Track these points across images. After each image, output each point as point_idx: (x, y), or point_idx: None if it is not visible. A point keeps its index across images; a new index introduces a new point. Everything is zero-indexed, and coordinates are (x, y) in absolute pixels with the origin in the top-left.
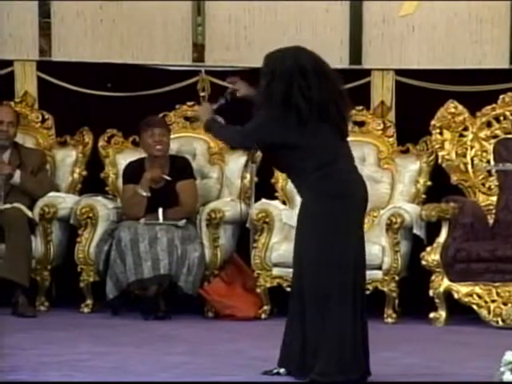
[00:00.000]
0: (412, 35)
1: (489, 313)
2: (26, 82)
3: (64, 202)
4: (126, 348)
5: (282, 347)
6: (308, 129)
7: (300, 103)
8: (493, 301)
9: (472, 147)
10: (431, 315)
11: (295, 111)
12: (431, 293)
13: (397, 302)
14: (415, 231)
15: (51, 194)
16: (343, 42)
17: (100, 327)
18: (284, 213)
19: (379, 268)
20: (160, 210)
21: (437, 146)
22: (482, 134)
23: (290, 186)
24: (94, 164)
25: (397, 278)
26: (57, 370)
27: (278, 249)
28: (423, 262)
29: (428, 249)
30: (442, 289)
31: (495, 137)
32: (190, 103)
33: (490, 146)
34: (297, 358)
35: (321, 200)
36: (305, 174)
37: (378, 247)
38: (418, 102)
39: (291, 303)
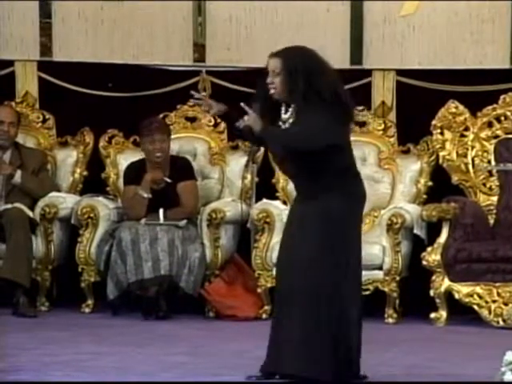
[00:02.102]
0: (413, 35)
1: (489, 313)
2: (27, 82)
3: (65, 202)
4: (127, 348)
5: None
6: (347, 128)
7: (348, 101)
8: (493, 301)
9: (473, 147)
10: (432, 315)
11: (342, 109)
12: (432, 293)
13: (397, 302)
14: (416, 231)
15: (52, 194)
16: (344, 42)
17: (101, 327)
18: (285, 213)
19: (380, 268)
20: (161, 211)
21: (438, 146)
22: (483, 134)
23: (291, 186)
24: (95, 164)
25: (397, 278)
26: (58, 370)
27: None
28: (424, 262)
29: (429, 249)
30: (442, 289)
31: (496, 137)
32: (190, 103)
33: (490, 146)
34: (287, 358)
35: (348, 200)
36: (333, 174)
37: (379, 247)
38: (419, 102)
39: (283, 304)
